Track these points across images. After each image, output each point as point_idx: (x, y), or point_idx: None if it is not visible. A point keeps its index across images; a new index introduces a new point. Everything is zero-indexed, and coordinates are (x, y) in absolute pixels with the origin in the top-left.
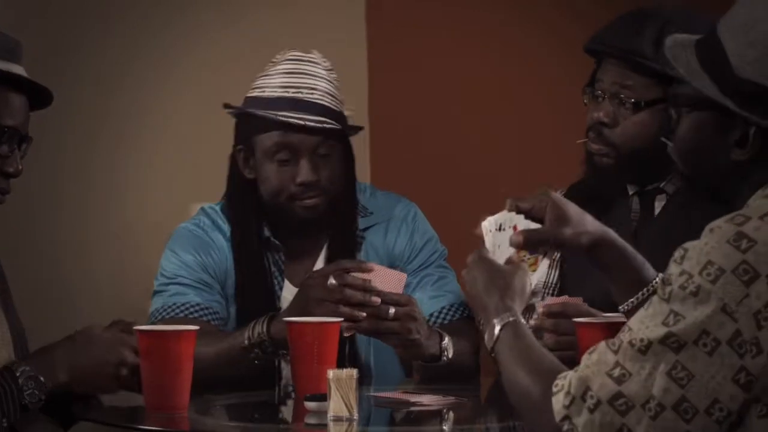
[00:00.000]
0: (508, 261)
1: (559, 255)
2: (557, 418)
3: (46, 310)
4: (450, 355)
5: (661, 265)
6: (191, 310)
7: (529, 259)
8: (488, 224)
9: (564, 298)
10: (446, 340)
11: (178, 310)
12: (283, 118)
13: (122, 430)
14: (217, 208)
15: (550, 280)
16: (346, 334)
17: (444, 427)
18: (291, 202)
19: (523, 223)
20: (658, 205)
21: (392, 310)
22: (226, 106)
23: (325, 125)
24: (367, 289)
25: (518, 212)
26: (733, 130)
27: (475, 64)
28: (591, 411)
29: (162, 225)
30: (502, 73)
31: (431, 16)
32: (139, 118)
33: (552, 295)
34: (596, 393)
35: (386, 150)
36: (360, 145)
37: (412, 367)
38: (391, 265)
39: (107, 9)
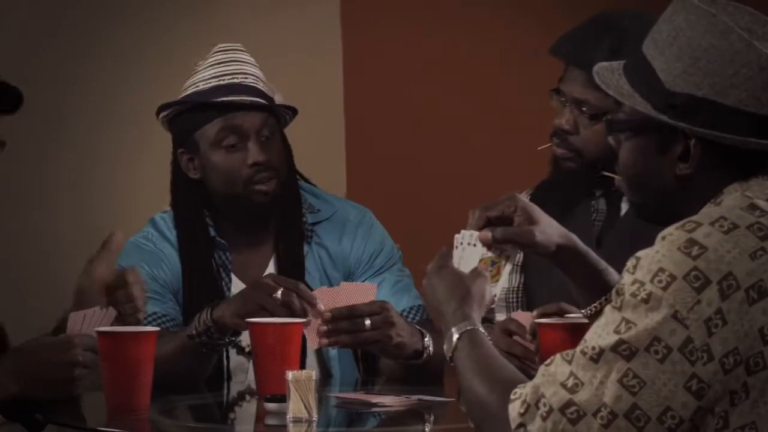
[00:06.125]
0: (472, 270)
1: (521, 260)
2: (513, 425)
3: None
4: (431, 352)
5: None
6: (149, 319)
7: (491, 270)
8: (461, 237)
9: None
10: (428, 338)
11: None
12: (225, 101)
13: None
14: (166, 216)
15: (513, 285)
16: (317, 347)
17: (406, 428)
18: (247, 188)
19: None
20: (624, 207)
21: (368, 322)
22: (162, 107)
23: (265, 105)
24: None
25: (487, 221)
26: (673, 146)
27: (452, 62)
28: (543, 418)
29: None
30: (481, 71)
31: (407, 15)
32: (73, 125)
33: (516, 298)
34: (548, 400)
35: (362, 150)
36: (336, 145)
37: (378, 368)
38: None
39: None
